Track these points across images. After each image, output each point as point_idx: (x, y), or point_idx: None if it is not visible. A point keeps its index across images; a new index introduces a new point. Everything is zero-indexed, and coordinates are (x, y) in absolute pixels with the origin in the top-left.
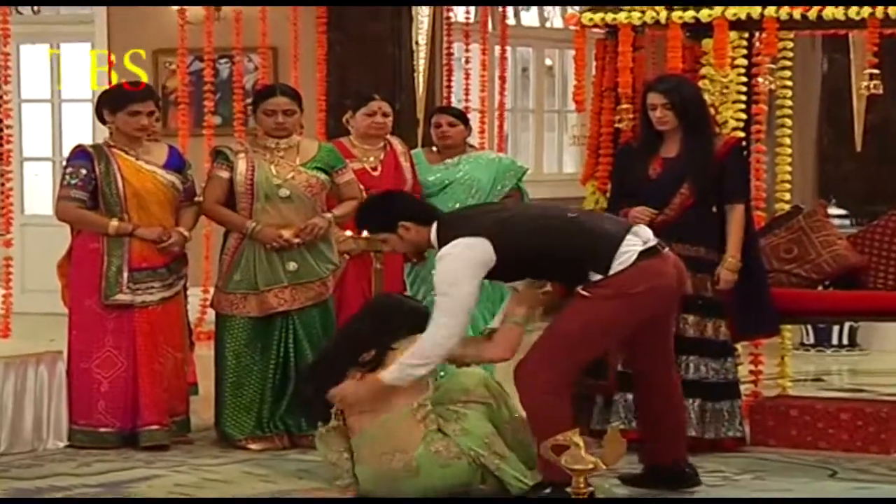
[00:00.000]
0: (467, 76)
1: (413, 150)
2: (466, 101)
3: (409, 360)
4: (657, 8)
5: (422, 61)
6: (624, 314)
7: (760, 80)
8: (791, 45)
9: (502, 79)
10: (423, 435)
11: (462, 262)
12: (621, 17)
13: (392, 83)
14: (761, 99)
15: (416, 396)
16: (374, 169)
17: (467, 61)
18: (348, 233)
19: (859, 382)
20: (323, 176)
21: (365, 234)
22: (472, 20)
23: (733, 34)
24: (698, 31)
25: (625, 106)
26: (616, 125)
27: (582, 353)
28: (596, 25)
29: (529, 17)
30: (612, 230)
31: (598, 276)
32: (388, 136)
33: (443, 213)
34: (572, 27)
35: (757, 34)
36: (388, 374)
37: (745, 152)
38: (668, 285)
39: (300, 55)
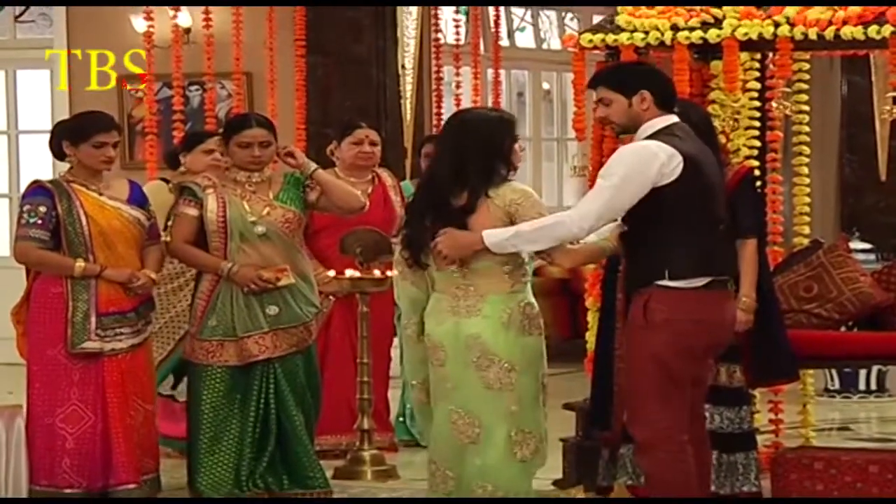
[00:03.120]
0: (458, 102)
1: (402, 182)
2: None
3: (533, 228)
4: (661, 28)
5: (409, 86)
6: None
7: (774, 104)
8: (807, 66)
9: (497, 104)
10: None
11: (639, 159)
12: (623, 38)
13: (377, 110)
14: (776, 125)
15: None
16: None
17: (458, 86)
18: (332, 273)
19: (889, 431)
20: (298, 209)
21: (349, 273)
22: (462, 42)
23: (744, 55)
24: (707, 52)
25: (629, 134)
26: None
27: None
28: (596, 47)
29: (525, 38)
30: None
31: (666, 280)
32: (377, 168)
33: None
34: (571, 49)
35: (770, 55)
36: (494, 237)
37: (758, 182)
38: (726, 323)
39: (277, 81)
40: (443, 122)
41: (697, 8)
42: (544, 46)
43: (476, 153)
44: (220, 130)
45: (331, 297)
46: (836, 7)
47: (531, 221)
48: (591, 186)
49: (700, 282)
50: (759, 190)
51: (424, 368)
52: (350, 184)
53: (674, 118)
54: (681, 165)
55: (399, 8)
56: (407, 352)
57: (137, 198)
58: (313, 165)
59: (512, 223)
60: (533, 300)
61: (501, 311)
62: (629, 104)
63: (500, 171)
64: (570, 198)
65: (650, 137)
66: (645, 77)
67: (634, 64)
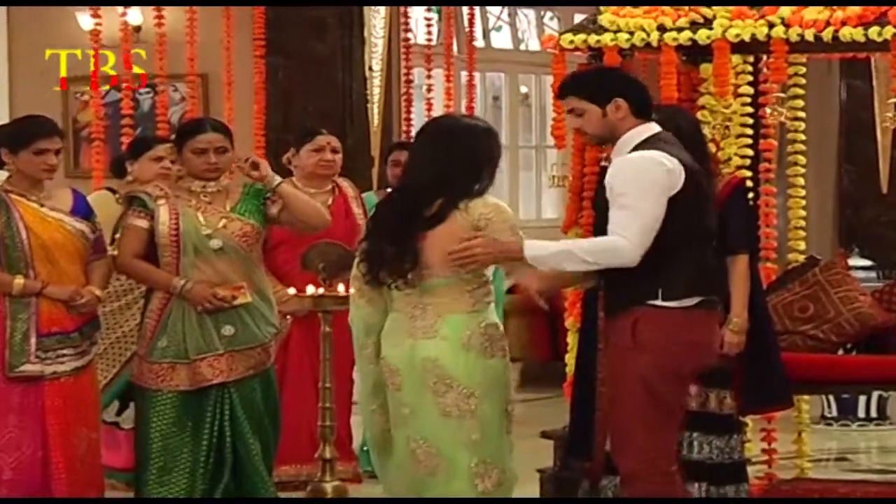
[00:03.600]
0: (429, 106)
1: (365, 194)
2: None
3: (585, 250)
4: (647, 28)
5: (376, 89)
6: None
7: (768, 111)
8: (803, 70)
9: (470, 109)
10: None
11: (649, 169)
12: (606, 39)
13: (342, 115)
14: (770, 133)
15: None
16: None
17: (429, 89)
18: (292, 290)
19: (890, 462)
20: (257, 222)
21: (311, 290)
22: (434, 42)
23: (736, 58)
24: (696, 54)
25: (606, 144)
26: (603, 164)
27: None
28: (577, 49)
29: (501, 38)
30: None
31: (657, 300)
32: (337, 178)
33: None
34: (550, 50)
35: (764, 58)
36: (537, 249)
37: (751, 194)
38: (714, 345)
39: (234, 83)
40: (421, 127)
41: (686, 7)
42: (522, 47)
43: (462, 165)
44: (173, 136)
45: (288, 316)
46: (834, 7)
47: (582, 240)
48: (571, 198)
49: (691, 301)
50: (751, 202)
51: (382, 392)
52: (309, 194)
53: (655, 126)
54: (682, 176)
55: (367, 6)
56: (363, 374)
57: (82, 209)
58: (277, 179)
59: (477, 237)
60: (496, 321)
61: (461, 332)
62: (603, 113)
63: (483, 184)
64: (550, 210)
65: (637, 148)
66: (618, 84)
67: (605, 70)
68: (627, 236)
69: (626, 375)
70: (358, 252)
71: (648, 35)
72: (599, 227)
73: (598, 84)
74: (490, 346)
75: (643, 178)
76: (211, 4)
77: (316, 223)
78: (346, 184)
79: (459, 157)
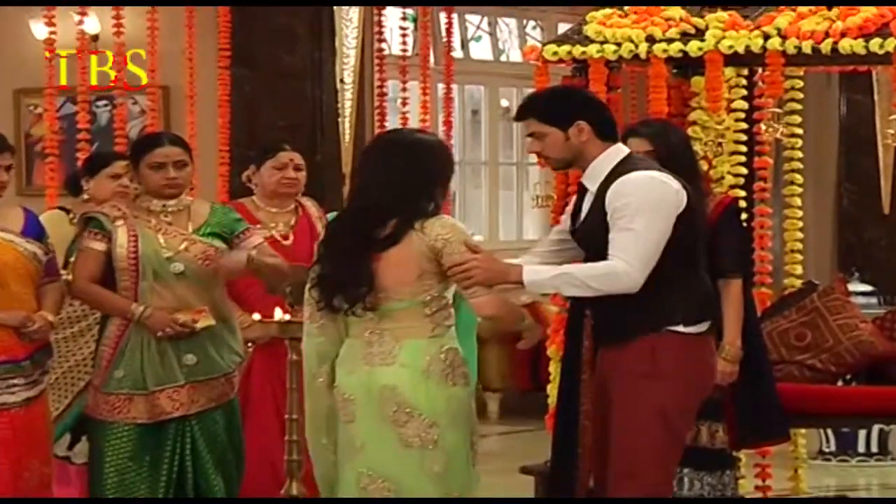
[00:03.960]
0: (404, 120)
1: (331, 214)
2: None
3: (587, 275)
4: (636, 39)
5: (348, 103)
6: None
7: (764, 126)
8: (801, 84)
9: (448, 124)
10: None
11: (660, 190)
12: (592, 50)
13: (312, 130)
14: (765, 150)
15: None
16: (285, 237)
17: (404, 102)
18: (256, 316)
19: (893, 499)
20: (221, 245)
21: (277, 316)
22: (409, 52)
23: (730, 71)
24: (687, 67)
25: (570, 168)
26: None
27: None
28: (561, 60)
29: (481, 49)
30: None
31: (678, 326)
32: (300, 197)
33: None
34: (532, 62)
35: (759, 71)
36: (536, 273)
37: (744, 215)
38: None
39: (197, 96)
40: (369, 143)
41: (677, 17)
42: (503, 58)
43: (416, 182)
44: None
45: (249, 343)
46: (833, 18)
47: (583, 265)
48: (555, 220)
49: (704, 326)
50: (744, 223)
51: (336, 425)
52: (270, 214)
53: (625, 148)
54: (685, 196)
55: (338, 15)
56: (314, 408)
57: (33, 229)
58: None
59: (436, 259)
60: (458, 346)
61: (420, 359)
62: (566, 137)
63: (438, 201)
64: (532, 231)
65: (617, 171)
66: (580, 105)
67: (565, 91)
68: (629, 261)
69: (641, 405)
70: (310, 277)
71: (637, 46)
72: (587, 250)
73: (559, 106)
74: (452, 373)
75: (650, 199)
76: (174, 4)
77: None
78: (309, 203)
79: (413, 174)
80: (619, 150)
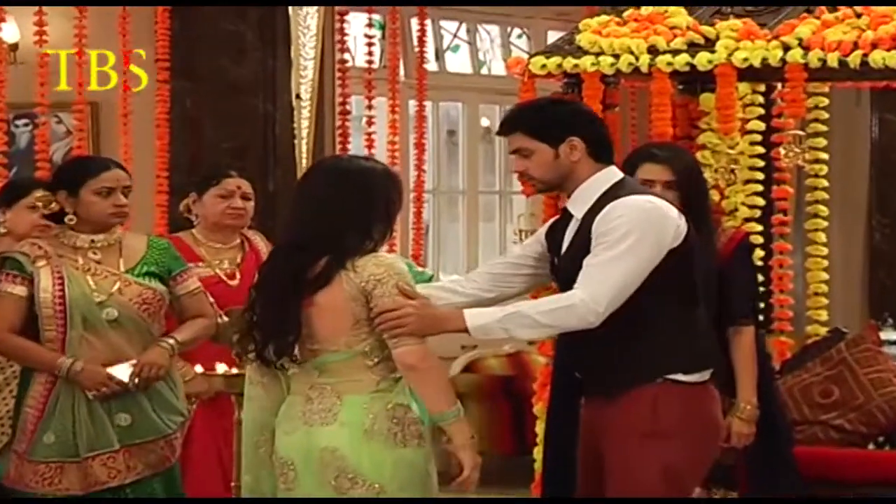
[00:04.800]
0: (370, 142)
1: None
2: None
3: (538, 311)
4: (636, 51)
5: (305, 121)
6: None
7: (783, 151)
8: (826, 102)
9: (420, 146)
10: None
11: (655, 219)
12: (586, 63)
13: (263, 153)
14: (785, 178)
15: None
16: (231, 276)
17: (370, 122)
18: (199, 368)
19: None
20: (160, 287)
21: (222, 368)
22: (376, 64)
23: (744, 87)
24: (695, 82)
25: (553, 192)
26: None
27: None
28: (551, 74)
29: (458, 61)
30: None
31: (680, 374)
32: (248, 231)
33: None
34: (517, 76)
35: (778, 87)
36: (482, 317)
37: (759, 252)
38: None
39: (132, 113)
40: (305, 172)
41: (683, 25)
42: (483, 71)
43: (352, 215)
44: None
45: (191, 399)
46: (862, 27)
47: (535, 301)
48: None
49: (707, 374)
50: (761, 262)
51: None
52: (213, 250)
53: (618, 172)
54: (685, 228)
55: (294, 20)
56: (256, 481)
57: None
58: (172, 343)
59: (367, 302)
60: (407, 401)
61: (362, 417)
62: (555, 155)
63: (376, 238)
64: None
65: (607, 196)
66: (574, 120)
67: (558, 102)
68: (592, 292)
69: (644, 468)
70: (242, 326)
71: (637, 58)
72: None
73: (550, 119)
74: (401, 432)
75: (638, 226)
76: (104, 4)
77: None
78: (258, 238)
79: (349, 206)
80: (612, 174)
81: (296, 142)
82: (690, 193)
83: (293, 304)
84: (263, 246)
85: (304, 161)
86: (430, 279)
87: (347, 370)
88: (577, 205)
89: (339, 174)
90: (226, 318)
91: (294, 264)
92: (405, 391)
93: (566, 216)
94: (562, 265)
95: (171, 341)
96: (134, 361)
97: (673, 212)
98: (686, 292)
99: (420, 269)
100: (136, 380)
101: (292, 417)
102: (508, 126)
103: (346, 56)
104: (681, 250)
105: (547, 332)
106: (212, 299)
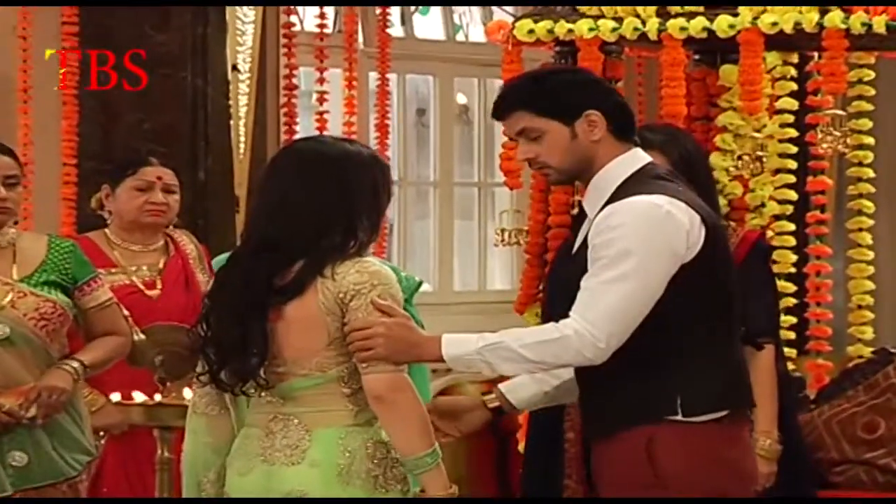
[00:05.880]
0: (322, 122)
1: (219, 258)
2: None
3: (524, 342)
4: (643, 15)
5: (244, 98)
6: None
7: (820, 135)
8: (872, 75)
9: (382, 128)
10: None
11: (663, 226)
12: (582, 27)
13: (192, 136)
14: (823, 167)
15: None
16: (150, 285)
17: (322, 99)
18: (115, 396)
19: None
20: (62, 297)
21: (141, 397)
22: (329, 30)
23: (773, 57)
24: (714, 52)
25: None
26: (575, 211)
27: None
28: (540, 42)
29: (429, 24)
30: None
31: (677, 414)
32: (172, 230)
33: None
34: (500, 44)
35: (814, 58)
36: (459, 345)
37: (793, 256)
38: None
39: (34, 89)
40: (272, 158)
41: None
42: (459, 38)
43: (334, 206)
44: None
45: (101, 433)
46: None
47: (520, 330)
48: (530, 262)
49: (720, 413)
50: (793, 268)
51: None
52: (130, 254)
53: (642, 154)
54: (702, 233)
55: None
56: None
57: None
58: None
59: (343, 317)
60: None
61: (338, 455)
62: (572, 134)
63: (362, 237)
64: (498, 278)
65: (624, 188)
66: (590, 89)
67: (567, 71)
68: (591, 321)
69: None
70: (192, 342)
71: (644, 23)
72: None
73: (563, 90)
74: (382, 475)
75: (641, 236)
76: None
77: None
78: (185, 239)
79: (328, 199)
80: (636, 158)
81: (231, 123)
82: (691, 185)
83: (258, 316)
84: (192, 249)
85: (241, 146)
86: (418, 287)
87: (319, 398)
88: (592, 200)
89: (315, 159)
90: (143, 336)
91: (260, 269)
92: None
93: (581, 217)
94: (561, 275)
95: (76, 364)
96: (30, 387)
97: (687, 215)
98: (706, 314)
99: (405, 274)
100: (33, 410)
101: (248, 455)
102: (508, 103)
103: (293, 19)
104: (696, 264)
105: (537, 369)
106: (126, 312)
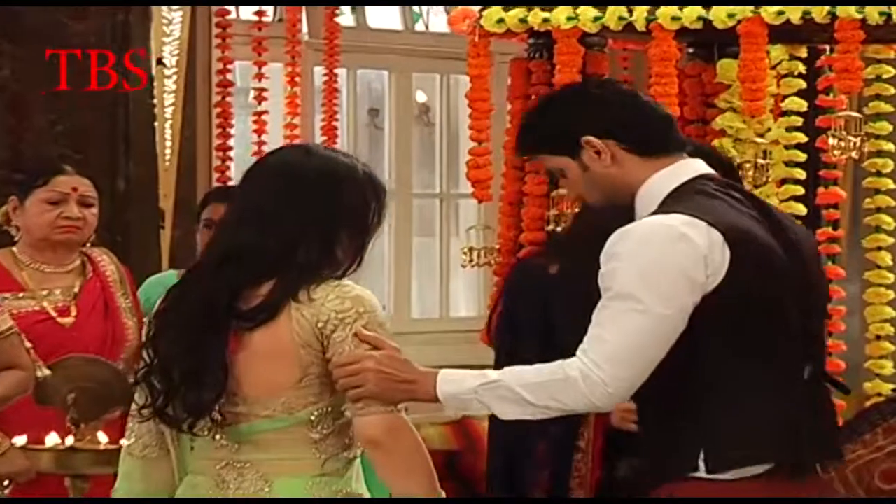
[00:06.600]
0: (260, 124)
1: (148, 280)
2: None
3: (525, 382)
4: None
5: (171, 97)
6: None
7: (832, 140)
8: (891, 72)
9: (329, 130)
10: None
11: (671, 249)
12: (560, 17)
13: (111, 139)
14: (836, 176)
15: None
16: (64, 312)
17: (261, 97)
18: (20, 440)
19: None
20: None
21: (52, 440)
22: (269, 18)
23: (779, 51)
24: (711, 45)
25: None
26: (551, 227)
27: None
28: (511, 33)
29: (384, 15)
30: None
31: (701, 472)
32: (89, 249)
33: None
34: (465, 35)
35: (826, 51)
36: (454, 383)
37: None
38: None
39: None
40: (251, 166)
41: None
42: (419, 28)
43: (316, 223)
44: None
45: (4, 483)
46: None
47: (523, 368)
48: (498, 287)
49: (758, 468)
50: None
51: None
52: (41, 275)
53: (693, 166)
54: (726, 255)
55: None
56: None
57: None
58: None
59: (322, 350)
60: (362, 489)
61: None
62: (582, 167)
63: (340, 259)
64: (463, 304)
65: (664, 206)
66: (583, 115)
67: (560, 94)
68: (595, 362)
69: None
70: (136, 371)
71: (631, 12)
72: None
73: (554, 124)
74: None
75: (653, 261)
76: None
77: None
78: (105, 258)
79: (306, 210)
80: (679, 172)
81: (157, 125)
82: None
83: (217, 342)
84: (112, 270)
85: (167, 152)
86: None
87: (283, 444)
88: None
89: (297, 168)
90: (48, 372)
91: (222, 287)
92: (361, 476)
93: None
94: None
95: None
96: None
97: (707, 236)
98: (742, 352)
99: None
100: None
101: None
102: (521, 144)
103: (228, 7)
104: (722, 292)
105: (541, 414)
106: (29, 344)
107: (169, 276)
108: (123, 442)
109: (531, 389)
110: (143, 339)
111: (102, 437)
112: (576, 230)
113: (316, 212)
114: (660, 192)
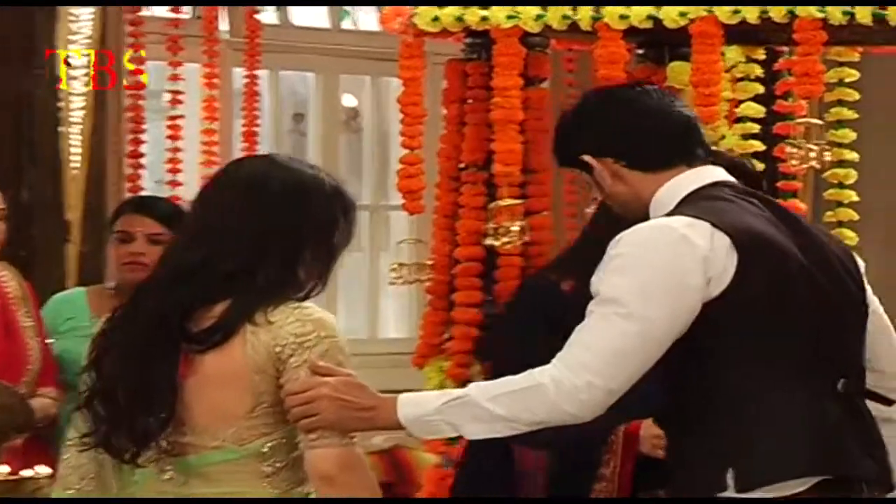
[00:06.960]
0: (174, 130)
1: (52, 299)
2: (175, 184)
3: (493, 394)
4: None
5: (79, 100)
6: None
7: (791, 148)
8: (856, 75)
9: (249, 136)
10: None
11: (665, 250)
12: (499, 15)
13: (14, 145)
14: (794, 187)
15: None
16: None
17: (175, 100)
18: None
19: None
20: None
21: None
22: (186, 14)
23: (734, 53)
24: (661, 46)
25: (508, 203)
26: (489, 242)
27: None
28: (446, 32)
29: (309, 12)
30: None
31: (731, 491)
32: None
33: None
34: (397, 34)
35: (784, 52)
36: (418, 405)
37: None
38: None
39: None
40: (217, 173)
41: None
42: (346, 26)
43: (278, 238)
44: None
45: None
46: None
47: (490, 382)
48: (434, 304)
49: (801, 485)
50: None
51: None
52: None
53: (704, 174)
54: (734, 258)
55: None
56: None
57: None
58: None
59: (277, 374)
60: None
61: None
62: (594, 181)
63: (302, 279)
64: (393, 325)
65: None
66: (578, 130)
67: (574, 111)
68: (569, 366)
69: None
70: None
71: (575, 10)
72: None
73: (562, 140)
74: None
75: (646, 263)
76: None
77: None
78: (6, 273)
79: (266, 224)
80: (689, 181)
81: (62, 130)
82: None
83: (166, 364)
84: (14, 286)
85: (75, 159)
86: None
87: (232, 478)
88: None
89: (258, 179)
90: None
91: (173, 305)
92: None
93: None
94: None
95: None
96: None
97: (710, 238)
98: (763, 359)
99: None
100: None
101: None
102: (555, 156)
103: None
104: (729, 296)
105: (511, 429)
106: None
107: (76, 294)
108: (39, 471)
109: (499, 401)
110: (85, 360)
111: (2, 469)
112: (587, 243)
113: (279, 228)
114: (671, 200)
